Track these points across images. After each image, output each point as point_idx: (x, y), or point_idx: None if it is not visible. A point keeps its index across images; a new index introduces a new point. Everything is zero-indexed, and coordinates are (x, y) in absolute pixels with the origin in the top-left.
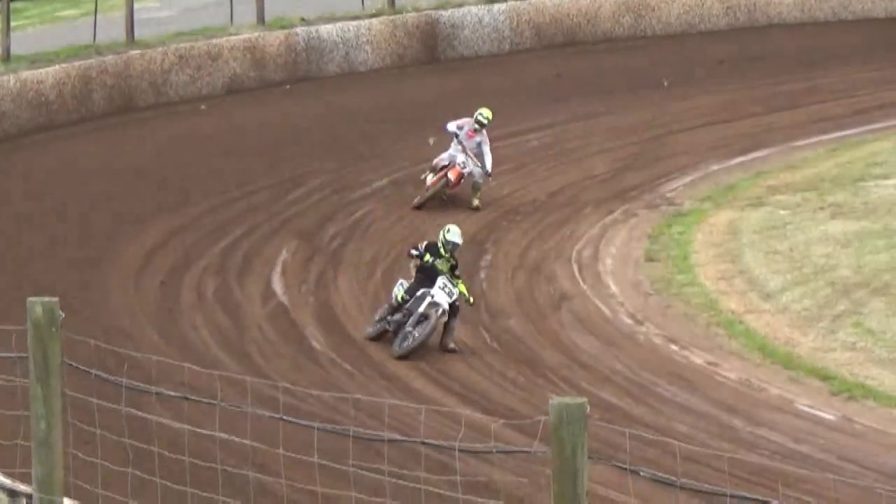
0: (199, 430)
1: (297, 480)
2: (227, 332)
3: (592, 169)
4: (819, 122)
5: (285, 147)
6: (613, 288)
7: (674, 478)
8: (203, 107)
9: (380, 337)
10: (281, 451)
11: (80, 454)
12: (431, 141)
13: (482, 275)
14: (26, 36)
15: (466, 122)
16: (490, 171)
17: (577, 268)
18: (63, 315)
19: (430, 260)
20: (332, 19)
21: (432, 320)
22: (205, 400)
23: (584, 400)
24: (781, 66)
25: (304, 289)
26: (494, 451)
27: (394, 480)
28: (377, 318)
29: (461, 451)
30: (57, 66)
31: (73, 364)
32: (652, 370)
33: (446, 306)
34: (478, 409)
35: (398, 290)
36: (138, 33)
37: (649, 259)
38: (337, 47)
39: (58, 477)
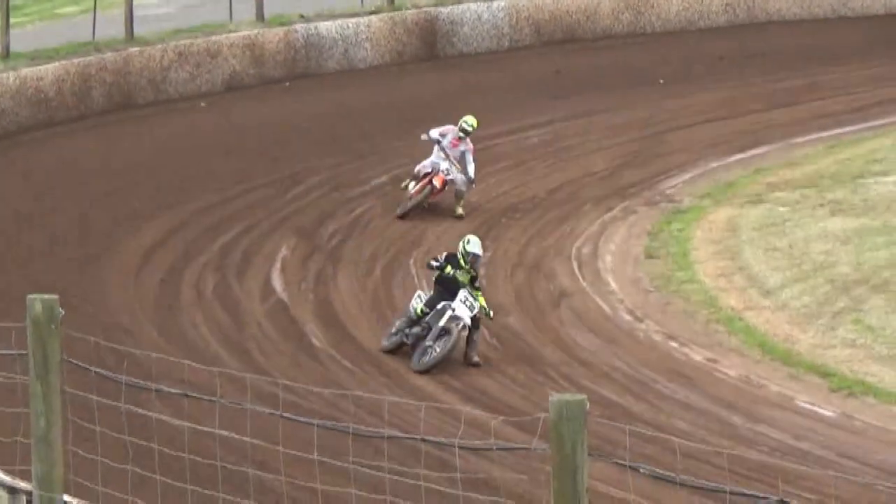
0: (198, 428)
1: (296, 477)
2: (227, 329)
3: (592, 166)
4: (818, 119)
5: (285, 144)
6: (613, 285)
7: (673, 475)
8: (202, 104)
9: (396, 350)
10: (281, 448)
11: (79, 451)
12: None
13: (482, 272)
14: (26, 33)
15: (450, 129)
16: (473, 177)
17: (576, 265)
18: (63, 312)
19: (451, 272)
20: (331, 16)
21: (454, 335)
22: (205, 397)
23: (583, 397)
24: (781, 62)
25: (304, 286)
26: (494, 448)
27: (394, 477)
28: (393, 330)
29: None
30: (56, 63)
31: (73, 361)
32: (652, 367)
33: (468, 320)
34: (478, 406)
35: (416, 303)
36: (137, 30)
37: (649, 256)
38: (336, 44)
39: (57, 474)
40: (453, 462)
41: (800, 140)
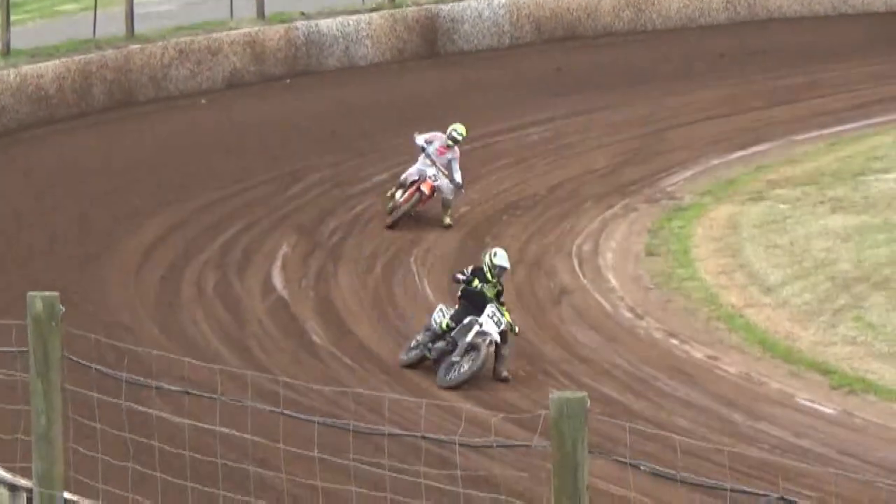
0: (199, 425)
1: (297, 475)
2: (228, 326)
3: (592, 163)
4: (819, 117)
5: (285, 141)
6: (613, 282)
7: (674, 472)
8: (203, 101)
9: (417, 364)
10: (281, 445)
11: (80, 449)
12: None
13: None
14: (26, 30)
15: (437, 136)
16: (461, 183)
17: (577, 262)
18: (63, 310)
19: (479, 286)
20: (331, 14)
21: (482, 351)
22: (205, 394)
23: (584, 394)
24: (781, 60)
25: (305, 283)
26: (495, 445)
27: (394, 475)
28: (412, 344)
29: (461, 445)
30: (57, 61)
31: (74, 359)
32: (652, 364)
33: (496, 336)
34: (478, 404)
35: (440, 317)
36: (138, 28)
37: (649, 253)
38: (337, 42)
39: (58, 471)
40: (453, 459)
41: (801, 137)
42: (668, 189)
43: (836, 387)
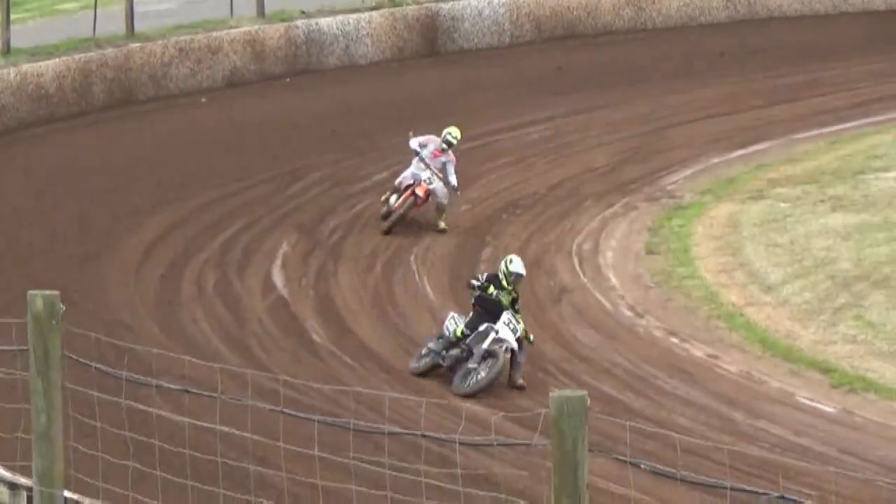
0: (199, 423)
1: (297, 473)
2: (228, 325)
3: (593, 162)
4: (819, 115)
5: (285, 140)
6: (614, 281)
7: (674, 470)
8: (203, 100)
9: (428, 372)
10: (281, 444)
11: (80, 447)
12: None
13: (482, 268)
14: (26, 29)
15: (431, 140)
16: (457, 185)
17: (577, 261)
18: (63, 308)
19: (494, 293)
20: (332, 12)
21: (500, 359)
22: (205, 393)
23: (584, 393)
24: (782, 58)
25: (305, 282)
26: (495, 443)
27: (394, 473)
28: (424, 352)
29: (461, 443)
30: (57, 60)
31: (74, 357)
32: (652, 363)
33: (513, 343)
34: (478, 403)
35: (453, 325)
36: (138, 26)
37: (650, 252)
38: (337, 40)
39: (58, 470)
40: (454, 458)
41: (801, 136)
42: (669, 188)
43: (837, 385)
